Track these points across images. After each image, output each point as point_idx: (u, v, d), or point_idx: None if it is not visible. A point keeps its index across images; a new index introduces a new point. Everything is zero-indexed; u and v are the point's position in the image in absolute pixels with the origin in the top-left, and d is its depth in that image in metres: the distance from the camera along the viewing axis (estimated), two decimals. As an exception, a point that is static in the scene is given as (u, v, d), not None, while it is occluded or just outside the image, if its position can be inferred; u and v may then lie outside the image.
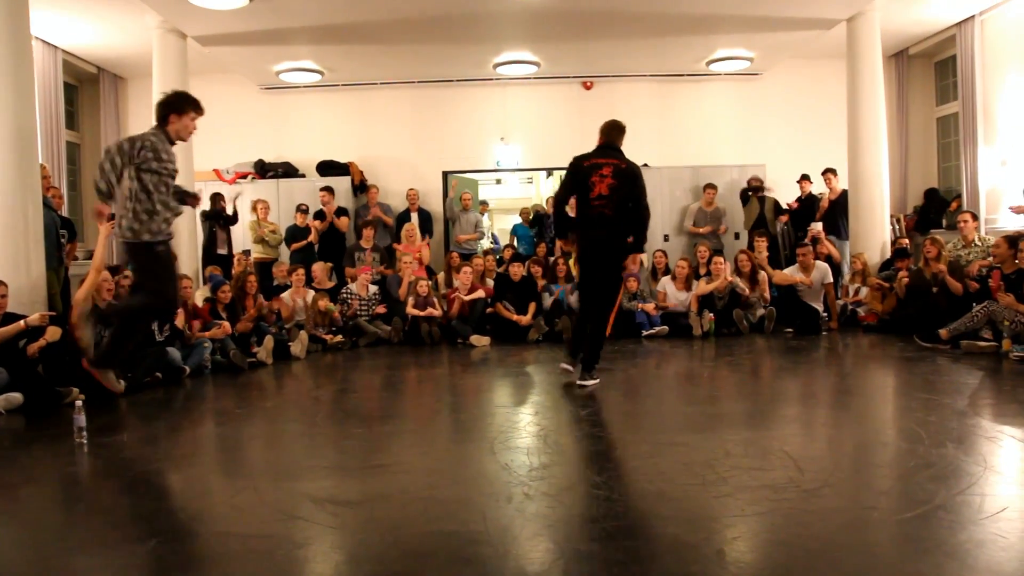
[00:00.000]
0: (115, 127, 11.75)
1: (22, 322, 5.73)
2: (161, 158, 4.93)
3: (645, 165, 12.05)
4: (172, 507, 3.33)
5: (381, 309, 9.19)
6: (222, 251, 10.24)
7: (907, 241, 9.75)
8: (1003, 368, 6.06)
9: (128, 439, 4.62)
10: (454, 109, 12.47)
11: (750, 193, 10.90)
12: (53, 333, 5.88)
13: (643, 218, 5.68)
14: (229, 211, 10.34)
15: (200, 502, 3.45)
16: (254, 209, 10.57)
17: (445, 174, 12.50)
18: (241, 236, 10.90)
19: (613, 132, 5.95)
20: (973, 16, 10.31)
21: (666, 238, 11.69)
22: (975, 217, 8.71)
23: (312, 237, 10.47)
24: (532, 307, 8.96)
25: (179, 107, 5.00)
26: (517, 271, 9.16)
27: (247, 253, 10.29)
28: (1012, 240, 6.84)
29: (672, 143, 12.45)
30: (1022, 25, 9.36)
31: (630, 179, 5.64)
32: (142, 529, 3.06)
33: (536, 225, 11.78)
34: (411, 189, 11.50)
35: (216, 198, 10.30)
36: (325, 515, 3.11)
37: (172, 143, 5.07)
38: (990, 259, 7.56)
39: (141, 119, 11.26)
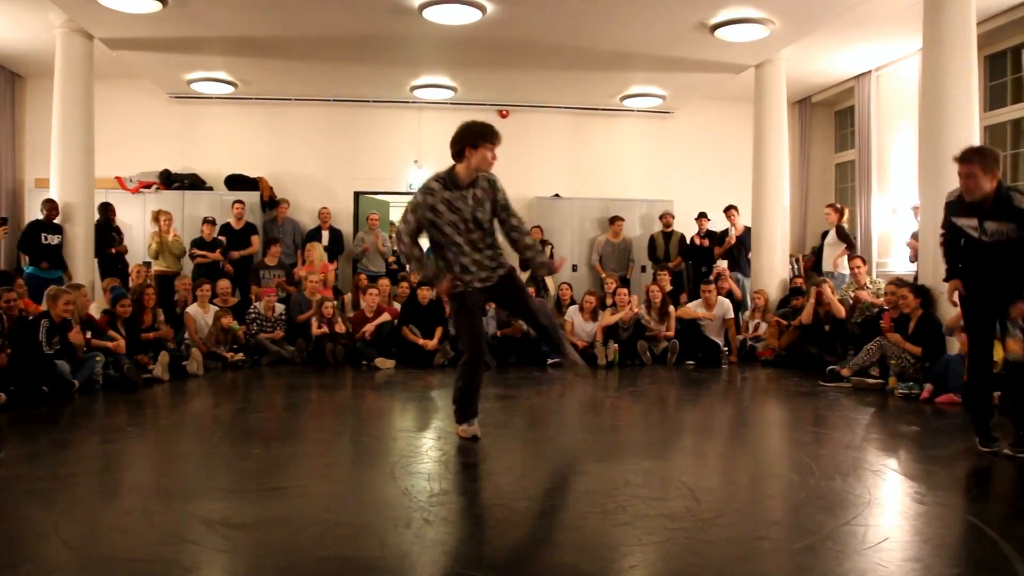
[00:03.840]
0: (10, 126, 11.21)
1: None
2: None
3: (556, 195, 12.28)
4: (51, 530, 3.16)
5: (278, 335, 8.97)
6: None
7: (802, 280, 10.13)
8: (888, 404, 6.34)
9: (7, 456, 4.37)
10: (369, 130, 12.40)
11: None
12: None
13: None
14: None
15: (83, 524, 3.28)
16: (156, 220, 10.22)
17: (357, 194, 12.39)
18: (141, 248, 10.51)
19: None
20: (870, 71, 10.89)
21: (574, 268, 11.85)
22: (865, 261, 9.13)
23: (217, 255, 10.18)
24: (439, 332, 8.92)
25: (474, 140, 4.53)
26: (425, 295, 9.11)
27: (147, 265, 9.94)
28: (917, 289, 7.14)
29: (584, 175, 12.68)
30: (913, 83, 9.91)
31: None
32: (16, 553, 2.89)
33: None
34: (323, 208, 11.36)
35: (106, 208, 9.88)
36: (217, 539, 3.01)
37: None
38: (880, 299, 7.93)
39: (39, 119, 10.76)
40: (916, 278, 7.79)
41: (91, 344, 6.99)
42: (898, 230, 10.43)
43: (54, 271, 8.78)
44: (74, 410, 6.00)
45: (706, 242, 10.99)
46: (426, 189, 4.52)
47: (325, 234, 11.14)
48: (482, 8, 8.12)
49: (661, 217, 11.34)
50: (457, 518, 3.29)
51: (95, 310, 7.99)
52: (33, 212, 10.06)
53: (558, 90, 11.60)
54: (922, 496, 3.69)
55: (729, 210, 10.76)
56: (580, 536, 3.09)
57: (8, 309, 6.56)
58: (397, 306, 9.39)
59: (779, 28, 8.67)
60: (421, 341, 8.81)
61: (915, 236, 5.90)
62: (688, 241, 11.22)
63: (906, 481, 4.02)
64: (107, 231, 9.74)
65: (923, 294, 7.03)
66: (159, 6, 7.99)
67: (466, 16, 8.27)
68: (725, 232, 10.84)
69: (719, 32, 8.71)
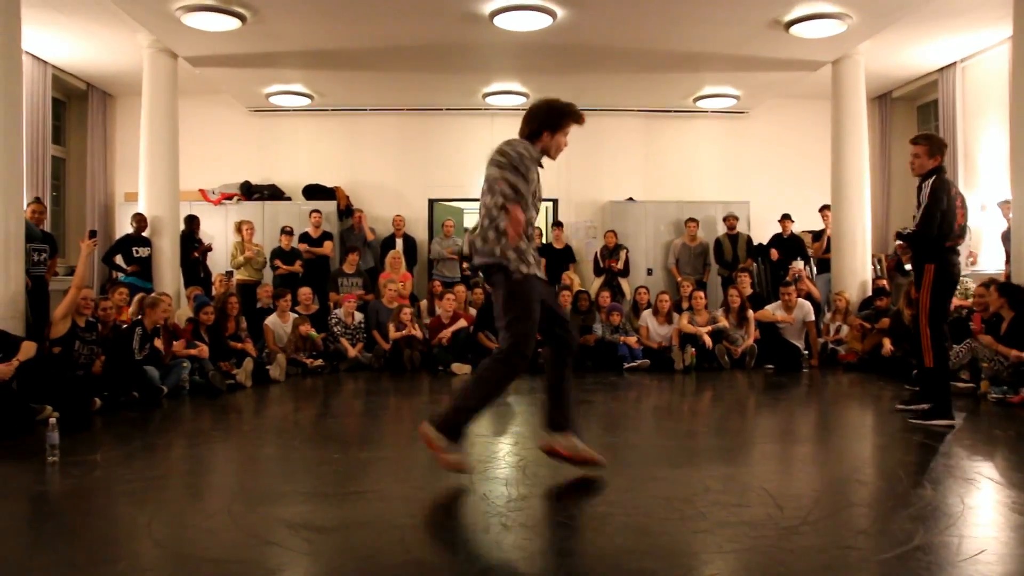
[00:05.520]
0: (102, 144, 11.71)
1: (15, 362, 5.64)
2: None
3: (630, 199, 12.18)
4: (143, 529, 3.27)
5: (359, 348, 9.11)
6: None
7: (886, 281, 9.83)
8: (981, 409, 6.09)
9: (102, 458, 4.55)
10: (442, 137, 12.52)
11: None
12: (27, 350, 5.79)
13: None
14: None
15: (172, 525, 3.39)
16: (238, 230, 10.53)
17: (431, 201, 12.53)
18: (224, 259, 10.81)
19: None
20: (955, 63, 10.51)
21: (649, 272, 11.73)
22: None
23: (297, 267, 10.41)
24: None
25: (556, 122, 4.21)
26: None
27: (229, 275, 10.22)
28: (1004, 288, 6.85)
29: (657, 178, 12.56)
30: (1002, 74, 9.51)
31: None
32: (111, 551, 3.00)
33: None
34: (397, 215, 11.51)
35: (191, 220, 10.20)
36: (300, 541, 3.07)
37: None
38: (970, 300, 7.63)
39: (129, 137, 11.24)
40: (1008, 277, 7.48)
41: (176, 352, 7.23)
42: (988, 227, 10.02)
43: (146, 282, 9.11)
44: (163, 415, 6.22)
45: (774, 253, 10.66)
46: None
47: (399, 242, 11.28)
48: (552, 14, 8.13)
49: (725, 219, 11.14)
50: (535, 523, 3.28)
51: (180, 318, 8.25)
52: (123, 225, 10.48)
53: (630, 93, 11.53)
54: (1020, 506, 3.52)
55: (823, 210, 10.57)
56: (659, 543, 3.05)
57: (104, 317, 6.83)
58: (473, 312, 9.44)
59: (857, 22, 8.44)
60: (496, 347, 8.82)
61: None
62: (767, 242, 10.99)
63: (1002, 489, 3.84)
64: (190, 242, 10.07)
65: (1011, 293, 6.72)
66: (238, 24, 8.24)
67: (537, 22, 8.30)
68: (795, 235, 10.65)
69: (794, 29, 8.54)
